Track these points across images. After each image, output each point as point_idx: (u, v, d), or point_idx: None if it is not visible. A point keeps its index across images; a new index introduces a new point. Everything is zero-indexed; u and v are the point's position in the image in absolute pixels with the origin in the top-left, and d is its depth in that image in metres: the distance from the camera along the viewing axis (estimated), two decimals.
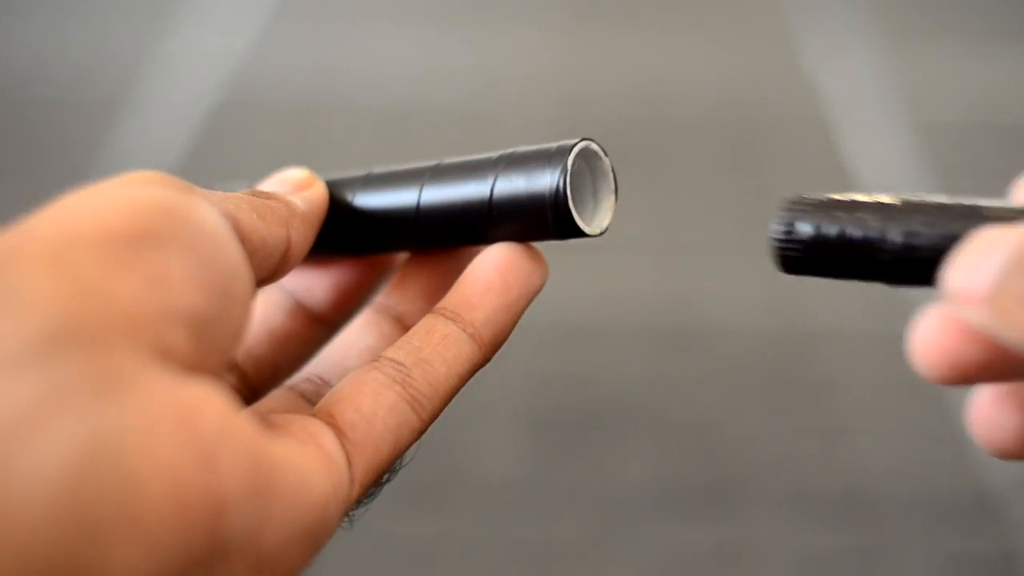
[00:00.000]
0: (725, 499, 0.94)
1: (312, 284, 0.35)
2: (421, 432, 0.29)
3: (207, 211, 0.26)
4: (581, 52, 1.60)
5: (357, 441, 0.27)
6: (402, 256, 0.36)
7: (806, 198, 0.30)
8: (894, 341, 1.10)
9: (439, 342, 0.29)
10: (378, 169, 0.35)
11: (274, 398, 0.31)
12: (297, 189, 0.34)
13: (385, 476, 0.28)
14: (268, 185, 0.34)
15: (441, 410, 0.29)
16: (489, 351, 0.30)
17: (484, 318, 0.30)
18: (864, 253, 0.29)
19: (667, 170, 1.36)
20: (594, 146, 0.32)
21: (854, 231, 0.29)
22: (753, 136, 1.41)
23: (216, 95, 1.47)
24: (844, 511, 0.93)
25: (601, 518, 0.93)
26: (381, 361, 0.29)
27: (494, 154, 0.32)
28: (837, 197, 0.30)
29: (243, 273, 0.26)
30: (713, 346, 1.09)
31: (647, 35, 1.64)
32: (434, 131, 1.43)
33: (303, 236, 0.31)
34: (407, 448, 0.28)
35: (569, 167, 0.31)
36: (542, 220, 0.31)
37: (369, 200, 0.35)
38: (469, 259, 0.32)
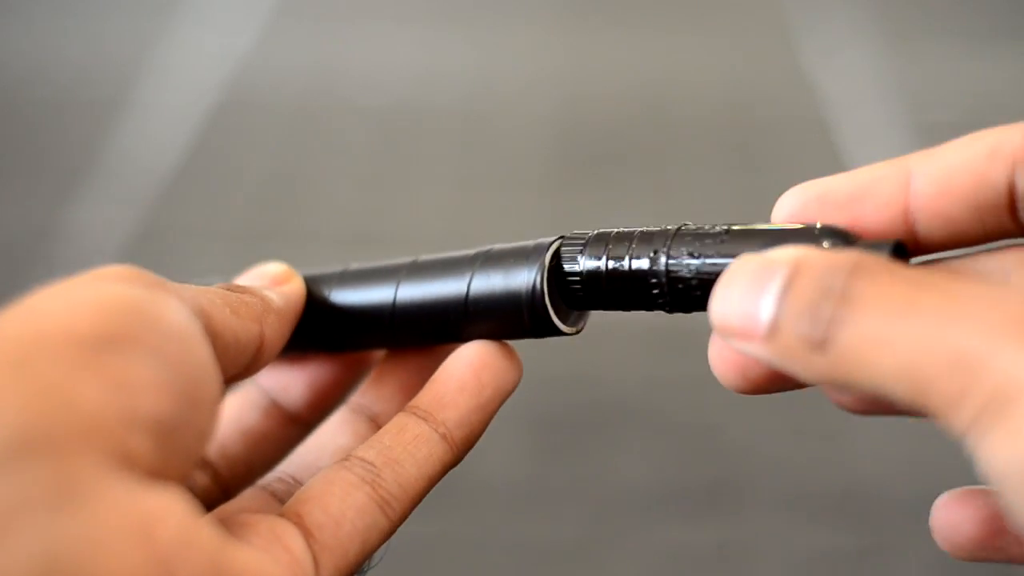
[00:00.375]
0: (725, 499, 0.94)
1: (288, 383, 0.35)
2: (390, 533, 0.28)
3: (176, 311, 0.25)
4: (581, 52, 1.60)
5: (324, 543, 0.26)
6: (379, 354, 0.35)
7: (578, 234, 0.30)
8: None
9: (410, 442, 0.29)
10: (355, 265, 0.35)
11: (246, 498, 0.31)
12: (274, 284, 0.33)
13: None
14: (245, 279, 0.33)
15: (411, 511, 0.29)
16: (460, 452, 0.30)
17: (457, 419, 0.30)
18: (637, 285, 0.29)
19: (667, 170, 1.36)
20: (578, 237, 0.31)
21: (622, 264, 0.29)
22: (753, 136, 1.41)
23: (216, 95, 1.47)
24: (844, 511, 0.93)
25: (601, 518, 0.93)
26: (351, 460, 0.28)
27: (471, 251, 0.32)
28: (608, 231, 0.30)
29: (211, 377, 0.25)
30: None
31: (647, 35, 1.64)
32: (434, 131, 1.43)
33: (277, 332, 0.31)
34: (375, 549, 0.28)
35: (546, 265, 0.30)
36: (518, 318, 0.30)
37: (345, 297, 0.34)
38: (446, 356, 0.32)
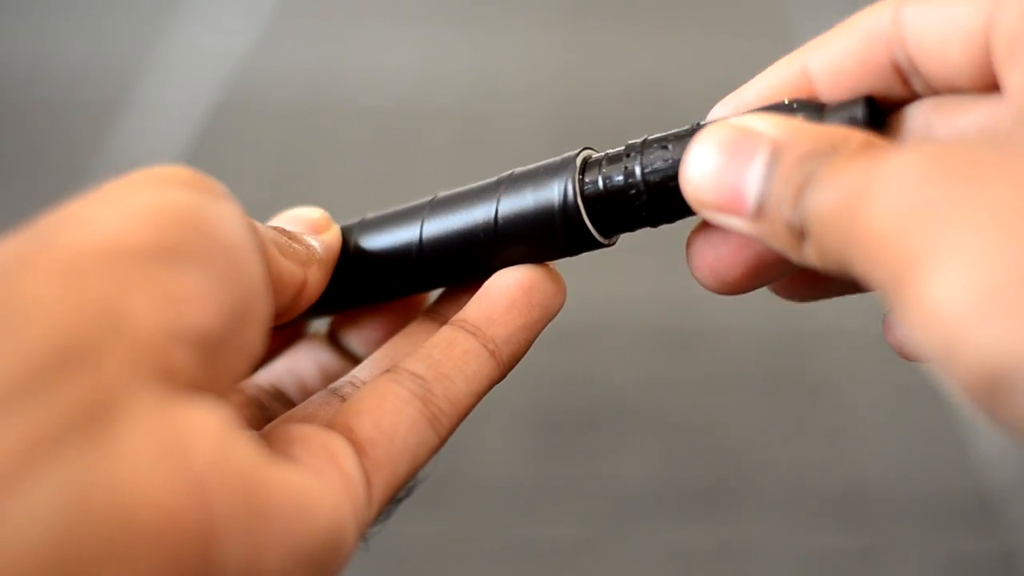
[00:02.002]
0: (725, 499, 0.94)
1: (350, 338, 0.35)
2: (438, 449, 0.28)
3: (235, 224, 0.25)
4: (581, 52, 1.60)
5: (377, 460, 0.26)
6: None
7: (596, 155, 0.30)
8: None
9: (460, 357, 0.29)
10: (371, 214, 0.34)
11: (315, 402, 0.30)
12: (312, 230, 0.33)
13: (401, 494, 0.28)
14: (283, 221, 0.33)
15: (457, 426, 0.28)
16: (506, 369, 0.30)
17: (506, 336, 0.30)
18: (626, 197, 0.29)
19: None
20: (595, 153, 0.31)
21: (613, 179, 0.29)
22: None
23: (216, 95, 1.47)
24: (844, 511, 0.93)
25: (601, 518, 0.93)
26: (400, 373, 0.28)
27: (494, 179, 0.32)
28: (614, 151, 0.29)
29: (262, 295, 0.25)
30: (713, 346, 1.09)
31: (647, 35, 1.64)
32: (434, 131, 1.43)
33: (317, 281, 0.31)
34: (424, 465, 0.28)
35: (577, 172, 0.30)
36: (553, 232, 0.30)
37: (370, 243, 0.33)
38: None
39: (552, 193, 0.30)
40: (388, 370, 0.28)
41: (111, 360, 0.21)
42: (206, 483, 0.21)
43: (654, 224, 0.30)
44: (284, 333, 0.37)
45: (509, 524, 0.92)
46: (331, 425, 0.27)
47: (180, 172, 0.26)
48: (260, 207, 1.35)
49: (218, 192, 0.26)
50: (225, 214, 0.25)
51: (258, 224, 0.29)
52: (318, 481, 0.25)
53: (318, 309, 0.33)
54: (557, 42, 1.62)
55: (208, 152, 1.38)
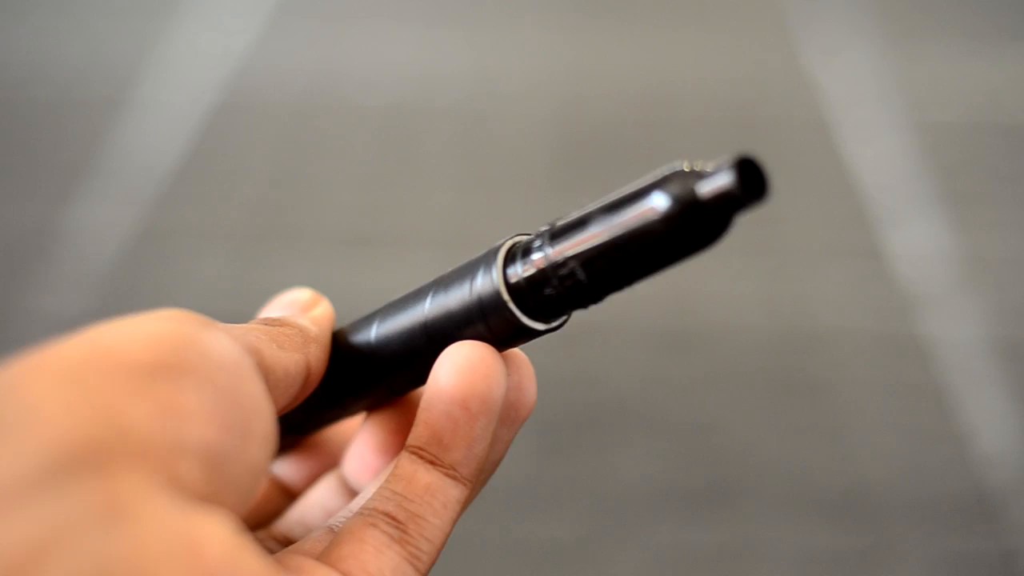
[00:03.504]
0: (725, 499, 0.94)
1: (361, 470, 0.35)
2: None
3: (228, 346, 0.25)
4: (581, 52, 1.60)
5: None
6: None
7: (522, 237, 0.30)
8: (894, 341, 1.11)
9: (423, 493, 0.29)
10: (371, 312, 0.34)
11: None
12: (303, 311, 0.33)
13: None
14: (274, 309, 0.33)
15: (438, 557, 0.29)
16: (477, 483, 0.30)
17: (462, 457, 0.29)
18: (544, 281, 0.28)
19: None
20: (522, 239, 0.30)
21: (529, 264, 0.29)
22: (753, 136, 1.41)
23: (216, 95, 1.47)
24: (844, 511, 0.93)
25: (601, 518, 0.93)
26: (373, 516, 0.28)
27: (428, 282, 0.31)
28: (529, 237, 0.30)
29: (263, 410, 0.25)
30: (713, 346, 1.09)
31: (647, 35, 1.64)
32: (434, 131, 1.43)
33: (320, 359, 0.31)
34: None
35: (500, 261, 0.29)
36: (477, 325, 0.29)
37: (349, 340, 0.33)
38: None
39: (472, 284, 0.29)
40: (360, 512, 0.29)
41: (120, 463, 0.21)
42: None
43: (582, 305, 0.29)
44: (312, 459, 0.37)
45: (509, 524, 0.92)
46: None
47: (177, 311, 0.26)
48: (260, 207, 1.35)
49: (210, 323, 0.26)
50: (219, 338, 0.26)
51: (249, 326, 0.30)
52: None
53: (319, 405, 0.33)
54: (557, 42, 1.62)
55: (208, 152, 1.38)
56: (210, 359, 0.24)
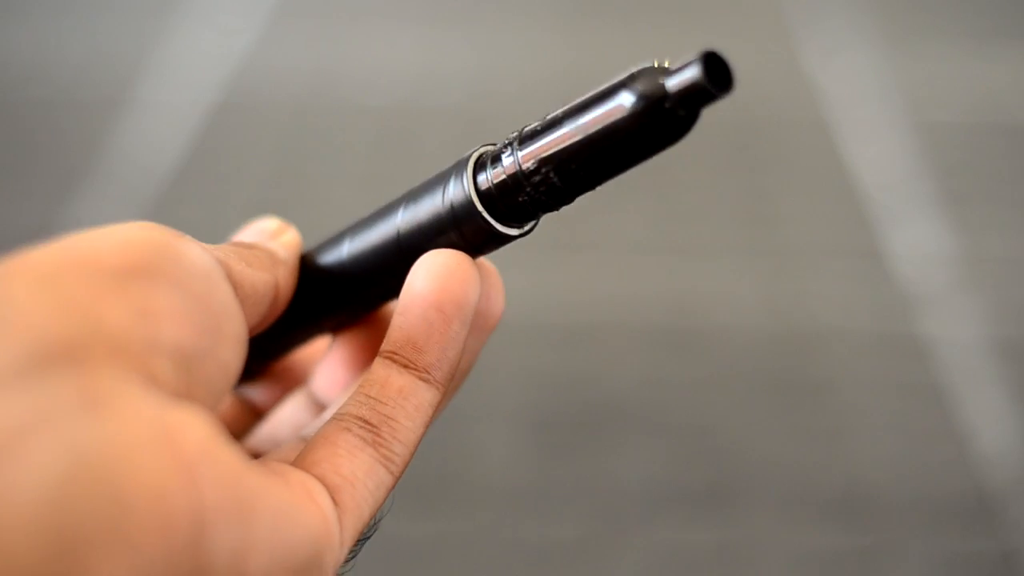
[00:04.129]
0: (725, 499, 0.94)
1: (332, 382, 0.36)
2: (392, 488, 0.29)
3: (199, 253, 0.26)
4: (581, 52, 1.60)
5: (344, 504, 0.27)
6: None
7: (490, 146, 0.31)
8: (894, 341, 1.11)
9: (396, 395, 0.29)
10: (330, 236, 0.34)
11: None
12: (272, 237, 0.34)
13: (366, 534, 0.28)
14: (245, 236, 0.34)
15: (410, 460, 0.29)
16: (447, 386, 0.30)
17: (435, 361, 0.30)
18: (514, 185, 0.29)
19: (667, 170, 1.36)
20: (490, 148, 0.31)
21: (498, 170, 0.29)
22: (753, 136, 1.41)
23: (216, 95, 1.47)
24: (844, 511, 0.93)
25: (601, 518, 0.93)
26: (346, 420, 0.29)
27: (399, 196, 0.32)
28: (498, 145, 0.30)
29: (233, 314, 0.26)
30: (713, 346, 1.09)
31: (647, 35, 1.64)
32: (434, 131, 1.42)
33: (288, 281, 0.32)
34: (382, 506, 0.29)
35: (470, 169, 0.30)
36: (449, 233, 0.30)
37: (317, 261, 0.33)
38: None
39: (443, 194, 0.30)
40: (334, 417, 0.29)
41: (97, 358, 0.22)
42: (197, 471, 0.22)
43: (552, 207, 0.30)
44: (281, 383, 0.38)
45: (509, 524, 0.92)
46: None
47: (145, 222, 0.27)
48: (260, 207, 1.35)
49: (179, 233, 0.27)
50: (191, 246, 0.26)
51: (218, 246, 0.30)
52: (300, 504, 0.25)
53: (289, 326, 0.33)
54: (557, 42, 1.62)
55: (208, 152, 1.38)
56: (182, 264, 0.25)
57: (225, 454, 0.23)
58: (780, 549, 0.90)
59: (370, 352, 0.35)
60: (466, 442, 0.98)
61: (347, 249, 0.32)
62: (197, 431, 0.22)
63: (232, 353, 0.26)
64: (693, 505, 0.94)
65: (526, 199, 0.29)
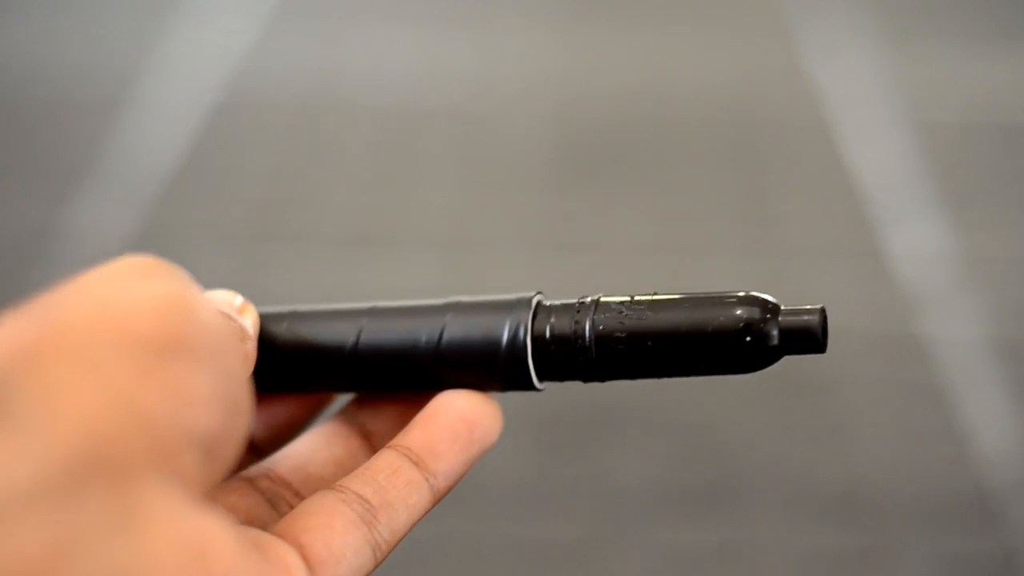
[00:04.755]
0: (725, 499, 0.94)
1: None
2: (370, 573, 0.28)
3: (218, 315, 0.26)
4: (581, 52, 1.60)
5: None
6: None
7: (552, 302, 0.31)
8: (894, 341, 1.11)
9: (403, 487, 0.29)
10: (303, 307, 0.33)
11: (234, 490, 0.31)
12: (238, 313, 0.32)
13: None
14: None
15: (389, 553, 0.29)
16: (438, 501, 0.30)
17: (446, 470, 0.30)
18: (571, 348, 0.30)
19: (667, 170, 1.36)
20: (547, 300, 0.31)
21: (562, 328, 0.30)
22: (753, 136, 1.41)
23: (216, 95, 1.47)
24: (844, 511, 0.93)
25: (601, 518, 0.93)
26: (347, 494, 0.28)
27: (440, 300, 0.32)
28: (566, 302, 0.31)
29: (246, 384, 0.25)
30: None
31: (647, 35, 1.64)
32: (434, 131, 1.43)
33: (253, 359, 0.31)
34: None
35: (531, 313, 0.30)
36: (493, 367, 0.30)
37: (301, 332, 0.33)
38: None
39: (502, 327, 0.30)
40: (334, 488, 0.29)
41: (137, 463, 0.21)
42: None
43: (587, 380, 0.30)
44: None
45: (509, 524, 0.92)
46: (280, 535, 0.27)
47: (153, 262, 0.25)
48: (260, 207, 1.35)
49: (190, 280, 0.26)
50: (206, 303, 0.25)
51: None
52: None
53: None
54: (557, 42, 1.62)
55: (208, 152, 1.38)
56: (209, 333, 0.24)
57: (249, 569, 0.23)
58: (780, 549, 0.90)
59: (300, 402, 0.35)
60: None
61: (362, 336, 0.32)
62: (226, 548, 0.22)
63: (245, 426, 0.25)
64: (693, 505, 0.94)
65: (573, 364, 0.30)
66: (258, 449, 0.35)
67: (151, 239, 1.22)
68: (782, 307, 0.29)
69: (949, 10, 1.70)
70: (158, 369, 0.22)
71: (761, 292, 0.29)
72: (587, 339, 0.29)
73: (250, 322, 0.32)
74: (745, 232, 1.24)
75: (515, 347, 0.30)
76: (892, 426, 1.01)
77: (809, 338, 0.28)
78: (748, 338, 0.28)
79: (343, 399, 0.35)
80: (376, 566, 0.28)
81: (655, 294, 0.30)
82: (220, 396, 0.23)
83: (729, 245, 1.23)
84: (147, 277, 0.24)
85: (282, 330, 0.33)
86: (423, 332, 0.31)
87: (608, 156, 1.37)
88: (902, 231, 1.24)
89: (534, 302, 0.31)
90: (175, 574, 0.21)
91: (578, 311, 0.30)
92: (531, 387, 0.31)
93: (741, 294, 0.29)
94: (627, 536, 0.91)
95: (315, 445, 0.33)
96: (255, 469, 0.32)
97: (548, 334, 0.30)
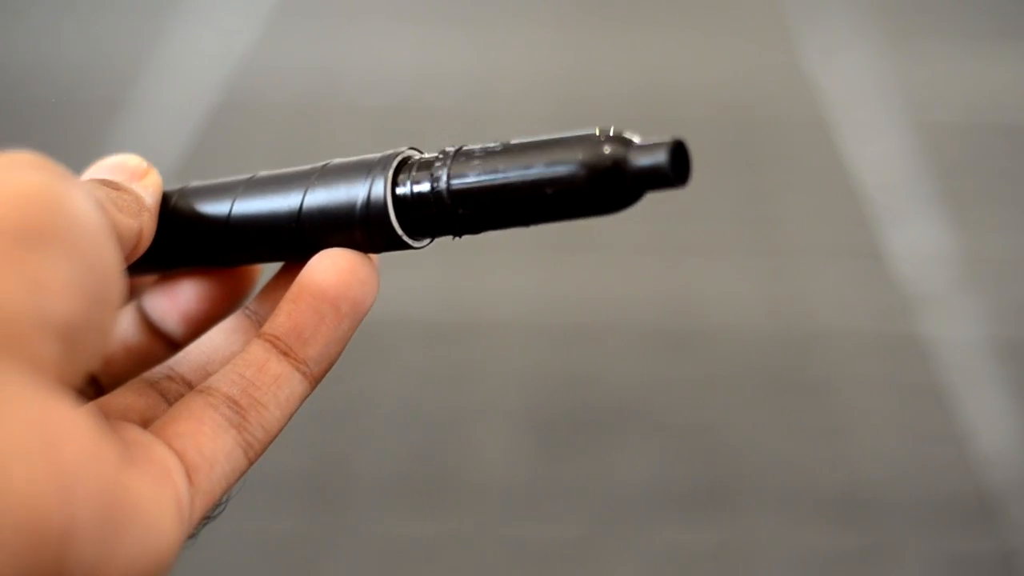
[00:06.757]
0: (725, 499, 0.94)
1: (164, 311, 0.35)
2: (245, 472, 0.28)
3: (89, 206, 0.25)
4: (581, 52, 1.60)
5: (199, 485, 0.27)
6: (273, 266, 0.35)
7: (417, 154, 0.30)
8: (894, 341, 1.11)
9: (272, 382, 0.29)
10: (195, 183, 0.33)
11: (132, 390, 0.30)
12: (135, 178, 0.32)
13: (210, 514, 0.28)
14: (104, 170, 0.32)
15: (266, 449, 0.29)
16: (316, 384, 0.30)
17: (316, 355, 0.29)
18: (431, 203, 0.29)
19: None
20: (416, 155, 0.30)
21: (420, 183, 0.29)
22: (753, 136, 1.41)
23: (216, 95, 1.47)
24: (844, 511, 0.93)
25: (601, 518, 0.93)
26: (215, 396, 0.28)
27: (309, 166, 0.31)
28: (430, 156, 0.30)
29: (118, 276, 0.25)
30: (713, 347, 1.09)
31: (647, 35, 1.64)
32: (434, 131, 1.42)
33: (150, 229, 0.31)
34: (231, 488, 0.28)
35: (391, 171, 0.29)
36: (353, 229, 0.29)
37: (188, 206, 0.33)
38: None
39: (362, 186, 0.30)
40: (202, 390, 0.28)
41: None
42: (75, 482, 0.21)
43: (458, 234, 0.30)
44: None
45: (509, 524, 0.92)
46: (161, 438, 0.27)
47: (29, 155, 0.25)
48: None
49: (66, 173, 0.26)
50: (79, 195, 0.25)
51: (93, 182, 0.29)
52: (162, 496, 0.25)
53: (140, 264, 0.33)
54: (557, 42, 1.62)
55: (208, 152, 1.38)
56: (75, 222, 0.24)
57: (104, 459, 0.22)
58: (780, 549, 0.90)
59: (220, 292, 0.34)
60: (466, 442, 0.98)
61: (233, 209, 0.31)
62: (78, 435, 0.22)
63: (112, 319, 0.25)
64: (693, 505, 0.94)
65: (438, 218, 0.29)
66: (178, 346, 0.34)
67: None
68: (635, 141, 0.28)
69: (949, 10, 1.70)
70: (15, 257, 0.22)
71: (618, 129, 0.28)
72: (444, 191, 0.28)
73: (151, 189, 0.31)
74: (745, 232, 1.24)
75: (373, 204, 0.29)
76: (892, 426, 1.01)
77: (659, 174, 0.27)
78: (600, 174, 0.27)
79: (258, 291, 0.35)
80: (251, 464, 0.28)
81: (510, 141, 0.29)
82: (81, 285, 0.23)
83: (729, 245, 1.23)
84: (16, 169, 0.24)
85: (175, 203, 0.32)
86: (289, 198, 0.31)
87: None
88: (902, 231, 1.24)
89: (398, 159, 0.30)
90: (20, 459, 0.20)
91: (438, 164, 0.29)
92: (404, 245, 0.30)
93: (594, 132, 0.28)
94: (627, 536, 0.91)
95: (216, 342, 0.32)
96: (158, 369, 0.31)
97: (409, 190, 0.29)
